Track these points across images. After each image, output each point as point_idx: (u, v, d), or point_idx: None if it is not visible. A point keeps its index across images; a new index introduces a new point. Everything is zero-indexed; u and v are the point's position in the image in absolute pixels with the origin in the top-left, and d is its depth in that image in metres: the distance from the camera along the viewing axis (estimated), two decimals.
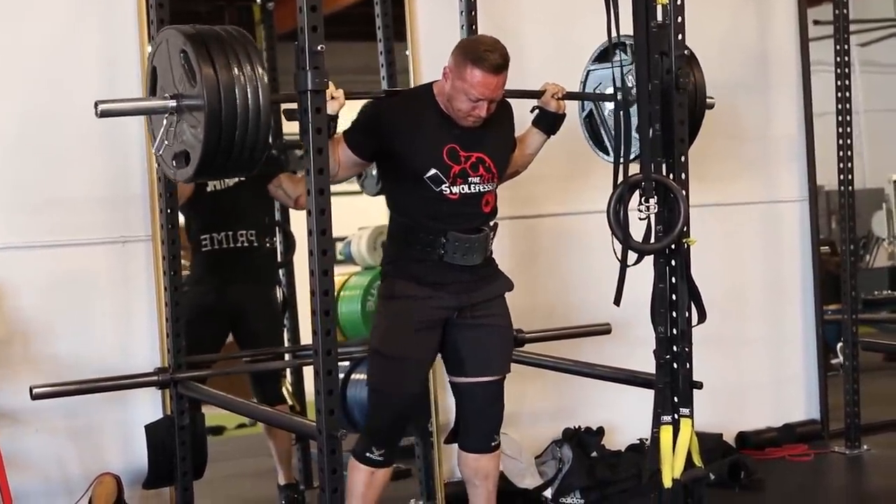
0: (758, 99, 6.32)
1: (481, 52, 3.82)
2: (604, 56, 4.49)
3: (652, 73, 3.89)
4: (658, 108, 3.91)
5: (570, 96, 4.35)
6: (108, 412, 4.76)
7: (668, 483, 3.92)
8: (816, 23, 6.36)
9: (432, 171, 3.90)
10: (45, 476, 4.69)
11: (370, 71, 5.14)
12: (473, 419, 4.13)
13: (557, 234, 5.71)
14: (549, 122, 4.28)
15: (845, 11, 5.93)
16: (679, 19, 3.91)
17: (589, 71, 4.57)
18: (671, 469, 3.93)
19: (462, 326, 4.04)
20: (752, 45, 6.28)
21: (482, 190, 3.99)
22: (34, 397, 4.19)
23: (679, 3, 3.91)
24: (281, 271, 5.90)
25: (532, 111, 4.31)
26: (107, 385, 4.45)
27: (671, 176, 3.97)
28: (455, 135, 3.94)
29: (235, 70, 3.26)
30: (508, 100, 4.17)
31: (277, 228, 5.82)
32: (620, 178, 3.97)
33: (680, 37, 3.92)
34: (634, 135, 4.25)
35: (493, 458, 4.17)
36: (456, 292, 3.99)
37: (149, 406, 4.76)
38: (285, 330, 5.94)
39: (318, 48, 3.34)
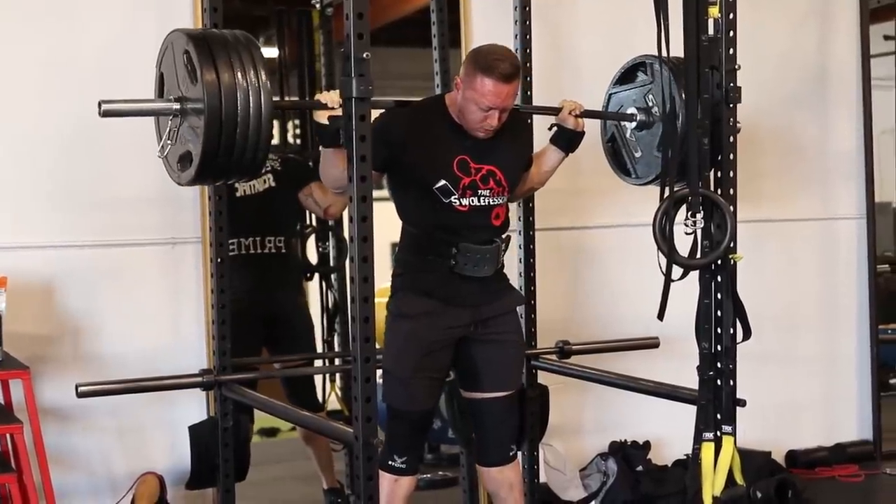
0: (817, 115, 6.26)
1: (491, 61, 3.79)
2: (625, 78, 4.47)
3: (702, 87, 3.86)
4: (708, 122, 3.88)
5: (588, 114, 4.31)
6: (153, 412, 4.80)
7: (707, 501, 3.90)
8: (887, 38, 6.28)
9: (441, 183, 3.88)
10: (89, 473, 4.74)
11: (430, 77, 5.14)
12: (491, 432, 4.13)
13: (609, 245, 5.69)
14: (566, 140, 4.24)
15: None
16: (731, 33, 3.88)
17: (611, 94, 4.53)
18: (712, 487, 3.90)
19: (475, 342, 4.03)
20: (811, 61, 6.23)
21: (492, 203, 3.97)
22: (79, 395, 4.21)
23: (731, 17, 3.87)
24: (333, 276, 5.91)
25: (550, 128, 4.28)
26: (151, 385, 4.46)
27: (719, 191, 3.93)
28: (466, 146, 3.92)
29: (238, 73, 3.26)
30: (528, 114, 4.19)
31: (330, 233, 5.84)
32: (667, 193, 3.94)
33: (731, 51, 3.89)
34: (655, 154, 4.24)
35: (514, 467, 4.17)
36: (467, 305, 3.97)
37: (194, 407, 4.80)
38: (336, 335, 5.95)
39: (364, 55, 3.33)
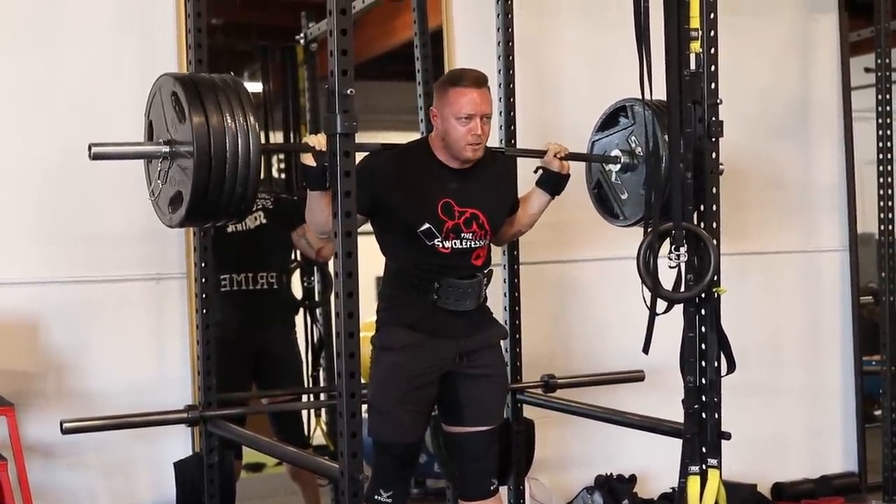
0: (799, 147, 6.30)
1: (457, 73, 3.93)
2: (606, 124, 4.50)
3: (684, 121, 3.88)
4: (691, 156, 3.90)
5: (573, 157, 4.32)
6: (139, 448, 4.79)
7: None
8: (868, 70, 6.31)
9: (426, 226, 3.89)
10: None
11: (413, 111, 5.17)
12: (472, 467, 4.11)
13: (593, 278, 5.70)
14: (552, 183, 4.25)
15: (888, 60, 5.90)
16: (712, 68, 3.90)
17: (594, 141, 4.55)
18: None
19: (459, 376, 4.01)
20: (793, 94, 6.27)
21: (473, 246, 3.98)
22: (64, 432, 4.19)
23: (712, 51, 3.90)
24: (318, 311, 5.91)
25: (535, 171, 4.29)
26: (136, 421, 4.44)
27: (702, 224, 3.95)
28: (451, 189, 3.94)
29: (227, 116, 3.30)
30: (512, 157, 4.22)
31: (315, 268, 5.84)
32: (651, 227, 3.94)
33: (713, 85, 3.91)
34: (642, 193, 4.25)
35: (496, 501, 4.14)
36: (452, 337, 3.97)
37: (179, 443, 4.79)
38: (321, 370, 5.95)
39: (348, 92, 3.35)
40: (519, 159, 4.44)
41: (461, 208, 3.94)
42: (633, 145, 4.33)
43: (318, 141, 3.55)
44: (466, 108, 3.84)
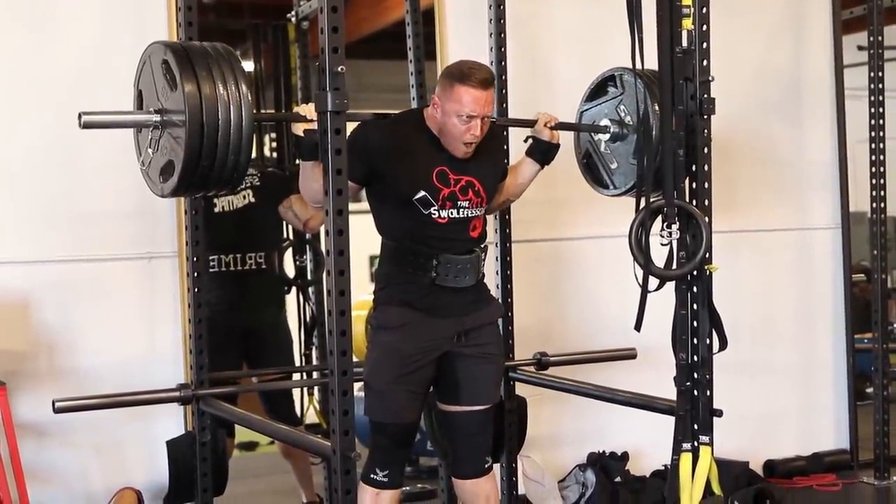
0: (792, 125, 6.29)
1: (466, 70, 3.85)
2: (595, 94, 4.50)
3: (676, 98, 3.87)
4: (682, 133, 3.89)
5: (563, 126, 4.32)
6: (131, 427, 4.79)
7: None
8: (860, 48, 6.31)
9: (421, 194, 3.88)
10: (67, 489, 4.72)
11: (405, 89, 5.15)
12: (467, 445, 4.12)
13: (586, 256, 5.69)
14: (542, 152, 4.25)
15: (880, 38, 5.89)
16: (704, 45, 3.90)
17: (582, 111, 4.55)
18: (690, 497, 3.91)
19: (457, 356, 4.02)
20: (786, 72, 6.26)
21: (470, 215, 3.98)
22: (56, 411, 4.19)
23: (704, 28, 3.89)
24: (311, 289, 5.91)
25: (525, 140, 4.29)
26: (128, 400, 4.44)
27: (694, 202, 3.94)
28: (445, 158, 3.93)
29: (220, 85, 3.28)
30: (503, 127, 4.20)
31: (308, 246, 5.83)
32: (643, 204, 3.94)
33: (705, 62, 3.90)
34: (631, 162, 4.25)
35: (490, 479, 4.16)
36: (450, 316, 3.97)
37: (172, 422, 4.79)
38: (314, 348, 5.95)
39: (339, 69, 3.34)
40: (510, 130, 4.43)
41: (456, 176, 3.93)
42: (623, 114, 4.32)
43: (310, 110, 3.54)
44: (469, 108, 3.83)
